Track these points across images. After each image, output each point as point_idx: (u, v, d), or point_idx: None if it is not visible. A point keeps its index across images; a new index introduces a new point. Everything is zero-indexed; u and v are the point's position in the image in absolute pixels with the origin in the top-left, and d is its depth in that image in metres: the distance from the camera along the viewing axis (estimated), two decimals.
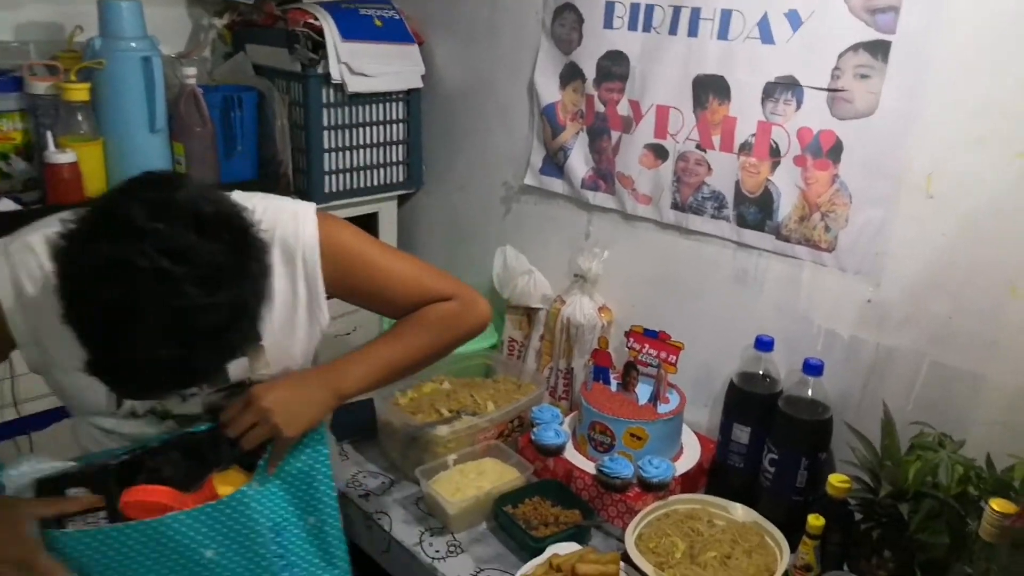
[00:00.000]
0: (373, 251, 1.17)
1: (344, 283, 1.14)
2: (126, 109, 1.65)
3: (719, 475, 1.45)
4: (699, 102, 1.48)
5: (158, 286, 0.81)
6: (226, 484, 1.05)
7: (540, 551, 1.28)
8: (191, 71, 1.76)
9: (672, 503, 1.36)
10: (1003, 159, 1.15)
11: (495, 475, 1.45)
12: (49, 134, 1.56)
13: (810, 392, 1.32)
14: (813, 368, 1.31)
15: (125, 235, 0.81)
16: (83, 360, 0.85)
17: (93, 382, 0.89)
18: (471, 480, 1.43)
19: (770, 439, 1.35)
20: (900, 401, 1.27)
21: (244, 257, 0.88)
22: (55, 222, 0.90)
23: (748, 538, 1.28)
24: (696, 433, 1.54)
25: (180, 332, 0.83)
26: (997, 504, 1.00)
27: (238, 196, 0.99)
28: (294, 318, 1.12)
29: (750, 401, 1.39)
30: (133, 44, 1.63)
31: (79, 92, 1.59)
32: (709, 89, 1.46)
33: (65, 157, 1.55)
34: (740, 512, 1.34)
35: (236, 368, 1.04)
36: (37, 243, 0.98)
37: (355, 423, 1.67)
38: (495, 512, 1.39)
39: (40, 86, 1.59)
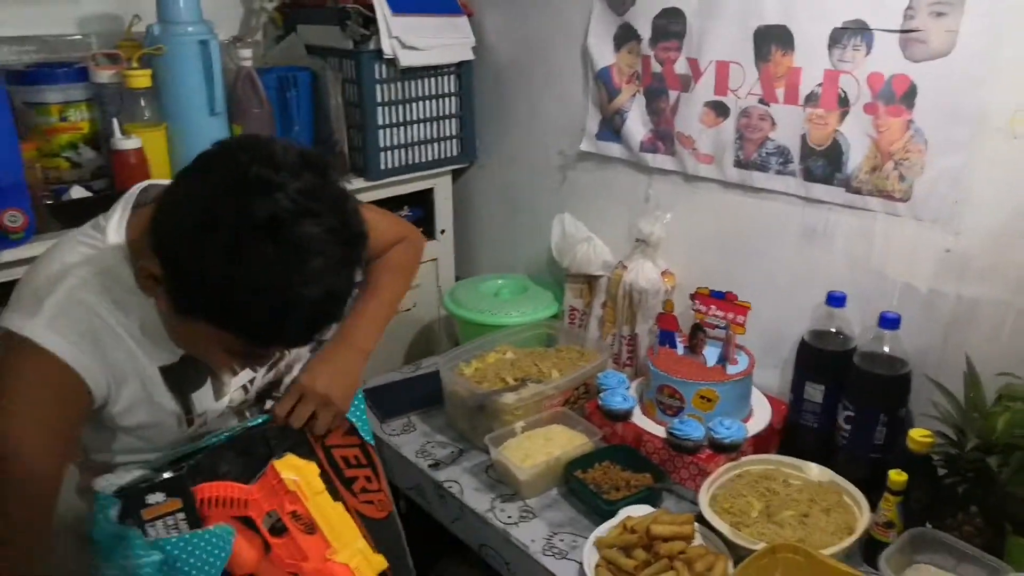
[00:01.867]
0: None
1: None
2: (187, 93, 1.68)
3: (792, 435, 1.42)
4: (761, 55, 1.44)
5: (308, 223, 0.85)
6: (289, 469, 1.09)
7: (613, 514, 1.28)
8: (247, 53, 1.78)
9: (744, 464, 1.34)
10: None
11: (564, 441, 1.45)
12: (115, 121, 1.59)
13: (886, 347, 1.28)
14: (889, 322, 1.27)
15: (267, 190, 0.84)
16: (239, 340, 0.91)
17: (162, 415, 1.02)
18: (540, 446, 1.43)
19: (845, 396, 1.31)
20: (984, 353, 1.22)
21: (342, 184, 0.92)
22: (75, 248, 0.97)
23: (825, 497, 1.26)
24: (766, 395, 1.51)
25: (337, 256, 0.88)
26: None
27: None
28: None
29: (823, 358, 1.35)
30: (190, 29, 1.65)
31: (141, 78, 1.62)
32: (771, 40, 1.42)
33: (130, 143, 1.58)
34: (815, 471, 1.32)
35: None
36: (79, 290, 0.94)
37: (421, 394, 1.69)
38: (566, 477, 1.39)
39: (104, 75, 1.62)
